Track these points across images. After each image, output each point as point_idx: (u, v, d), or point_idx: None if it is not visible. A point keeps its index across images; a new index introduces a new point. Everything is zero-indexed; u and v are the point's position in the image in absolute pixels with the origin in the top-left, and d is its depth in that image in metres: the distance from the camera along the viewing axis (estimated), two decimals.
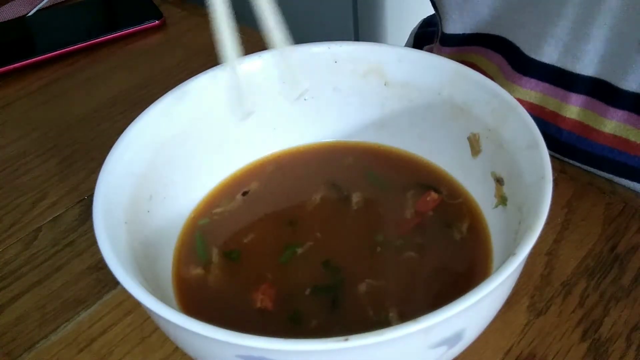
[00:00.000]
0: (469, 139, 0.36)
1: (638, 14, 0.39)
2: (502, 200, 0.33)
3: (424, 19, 0.67)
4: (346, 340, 0.22)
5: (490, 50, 0.50)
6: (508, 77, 0.48)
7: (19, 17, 0.66)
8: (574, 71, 0.44)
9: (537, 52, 0.45)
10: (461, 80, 0.35)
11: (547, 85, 0.46)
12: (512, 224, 0.31)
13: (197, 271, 0.34)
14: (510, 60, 0.48)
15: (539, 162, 0.29)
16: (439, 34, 0.53)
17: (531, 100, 0.47)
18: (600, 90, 0.43)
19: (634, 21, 0.39)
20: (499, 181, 0.34)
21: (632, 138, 0.43)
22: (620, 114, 0.43)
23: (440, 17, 0.52)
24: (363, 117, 0.40)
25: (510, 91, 0.42)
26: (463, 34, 0.51)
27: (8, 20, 0.66)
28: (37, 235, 0.42)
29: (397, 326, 0.22)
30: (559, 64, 0.44)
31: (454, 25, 0.51)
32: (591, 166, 0.45)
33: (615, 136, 0.44)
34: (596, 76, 0.43)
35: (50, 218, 0.44)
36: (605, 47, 0.42)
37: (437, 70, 0.36)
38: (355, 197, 0.37)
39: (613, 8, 0.40)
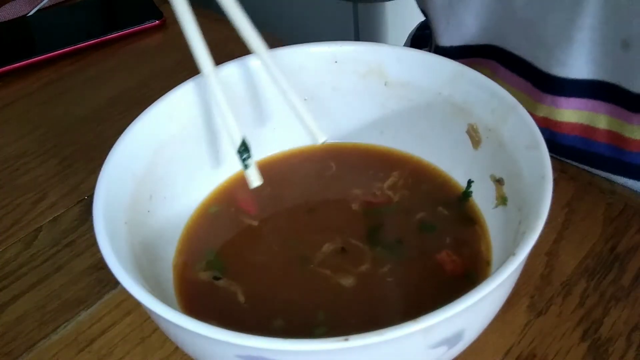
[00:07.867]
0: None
1: (617, 13, 0.39)
2: (502, 200, 0.33)
3: (422, 21, 0.67)
4: (346, 340, 0.22)
5: (483, 59, 0.50)
6: (499, 74, 0.48)
7: (19, 17, 0.66)
8: (561, 75, 0.44)
9: (530, 55, 0.45)
10: (461, 80, 0.35)
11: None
12: (512, 224, 0.31)
13: (197, 271, 0.34)
14: (503, 62, 0.48)
15: (539, 161, 0.29)
16: (434, 45, 0.54)
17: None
18: (603, 92, 0.43)
19: (615, 21, 0.39)
20: (499, 181, 0.34)
21: (626, 134, 0.43)
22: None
23: (432, 28, 0.52)
24: (363, 117, 0.40)
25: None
26: (452, 46, 0.51)
27: (8, 20, 0.66)
28: (37, 235, 0.42)
29: (397, 326, 0.22)
30: (551, 71, 0.44)
31: (445, 38, 0.51)
32: (590, 166, 0.45)
33: (609, 131, 0.44)
34: (595, 79, 0.43)
35: (50, 218, 0.44)
36: (590, 49, 0.42)
37: (437, 70, 0.36)
38: (356, 197, 0.37)
39: (593, 11, 0.40)
